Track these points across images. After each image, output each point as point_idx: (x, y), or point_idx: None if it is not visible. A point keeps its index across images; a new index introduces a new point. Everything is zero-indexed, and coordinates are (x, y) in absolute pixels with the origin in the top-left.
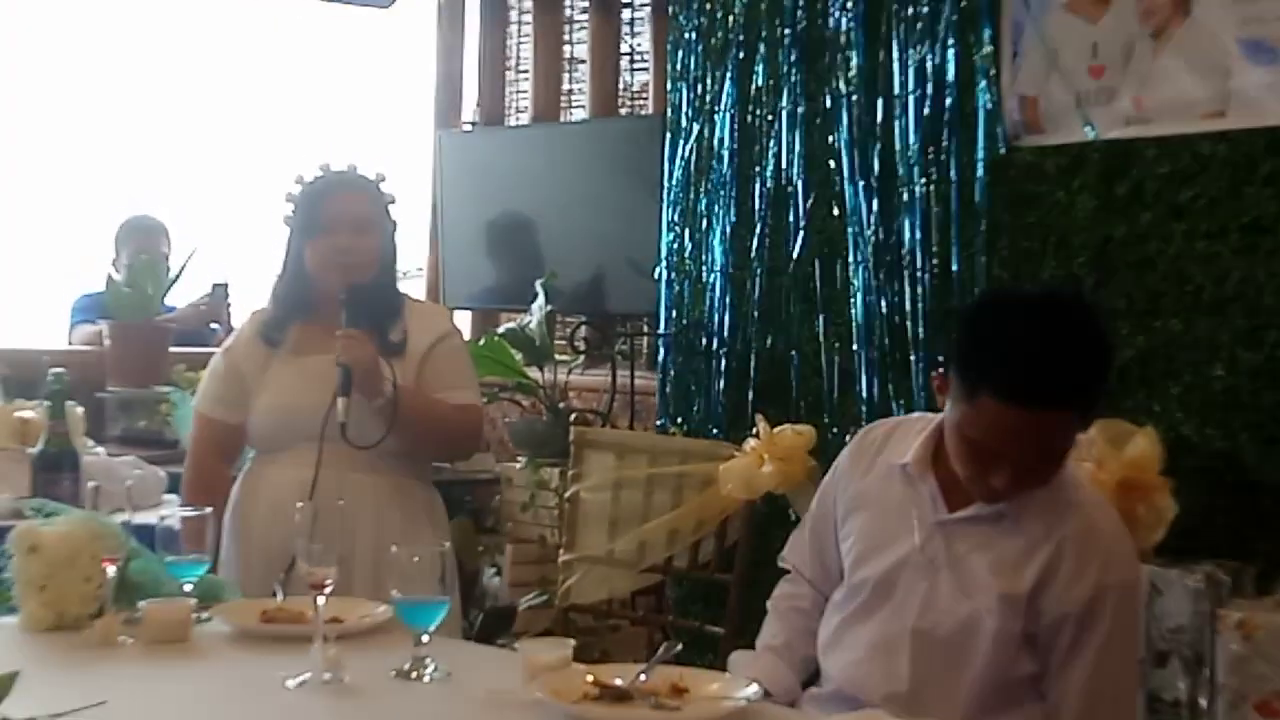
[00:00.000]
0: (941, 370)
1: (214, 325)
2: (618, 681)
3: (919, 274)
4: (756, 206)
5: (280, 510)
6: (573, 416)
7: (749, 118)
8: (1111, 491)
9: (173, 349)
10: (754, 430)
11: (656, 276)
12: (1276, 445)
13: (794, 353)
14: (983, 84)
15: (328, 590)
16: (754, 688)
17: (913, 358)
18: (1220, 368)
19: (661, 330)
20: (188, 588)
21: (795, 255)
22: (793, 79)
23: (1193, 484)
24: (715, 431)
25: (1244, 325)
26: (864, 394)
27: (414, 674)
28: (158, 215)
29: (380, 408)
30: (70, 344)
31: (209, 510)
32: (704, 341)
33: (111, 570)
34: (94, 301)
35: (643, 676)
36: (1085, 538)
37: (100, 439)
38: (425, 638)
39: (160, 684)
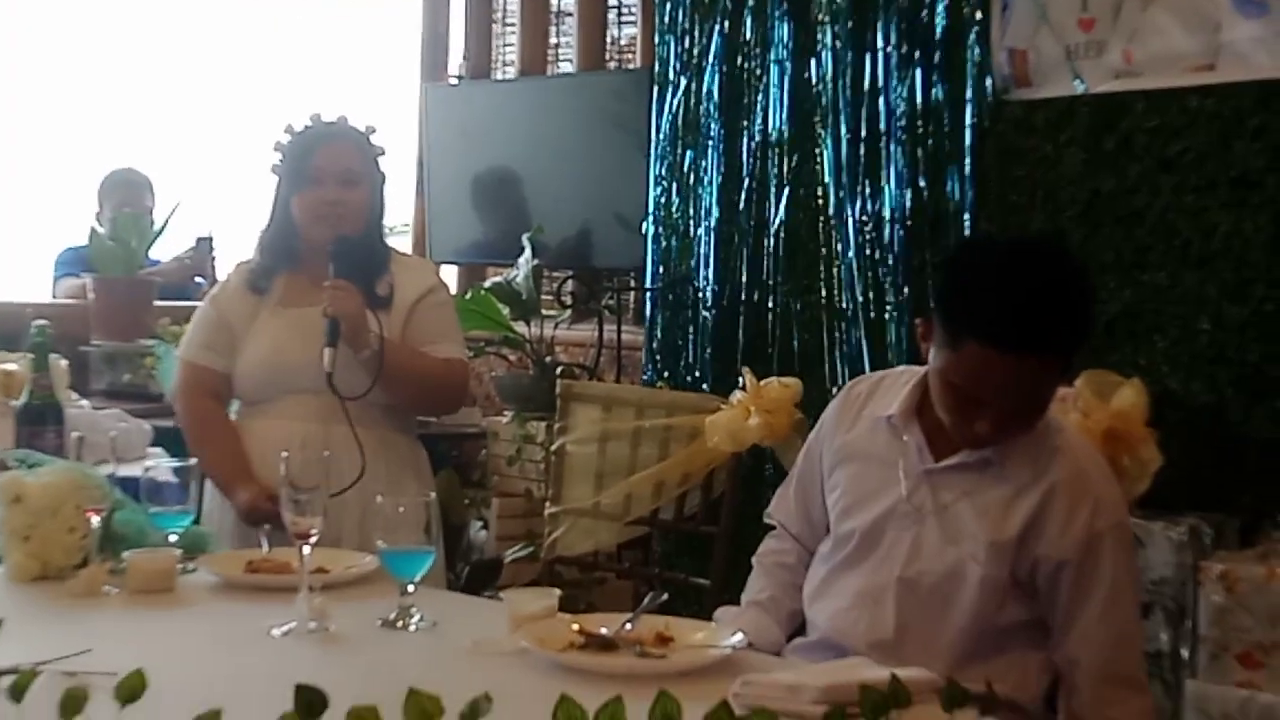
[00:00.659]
0: (925, 317)
1: (198, 279)
2: (603, 631)
3: (906, 228)
4: (744, 161)
5: (266, 462)
6: (559, 371)
7: (737, 71)
8: (1097, 441)
9: (157, 303)
10: (740, 383)
11: (643, 231)
12: (1261, 399)
13: (781, 307)
14: (972, 37)
15: (313, 540)
16: (739, 636)
17: (897, 313)
18: (1206, 321)
19: (648, 285)
20: (173, 539)
21: (782, 209)
22: (781, 32)
23: (1178, 437)
24: (702, 386)
25: (1231, 279)
26: (849, 348)
27: (400, 623)
28: (142, 168)
29: (366, 360)
30: (54, 298)
31: (193, 461)
32: (691, 296)
33: (96, 521)
34: (78, 255)
35: (628, 626)
36: (1074, 483)
37: (85, 393)
38: (411, 587)
39: (145, 634)
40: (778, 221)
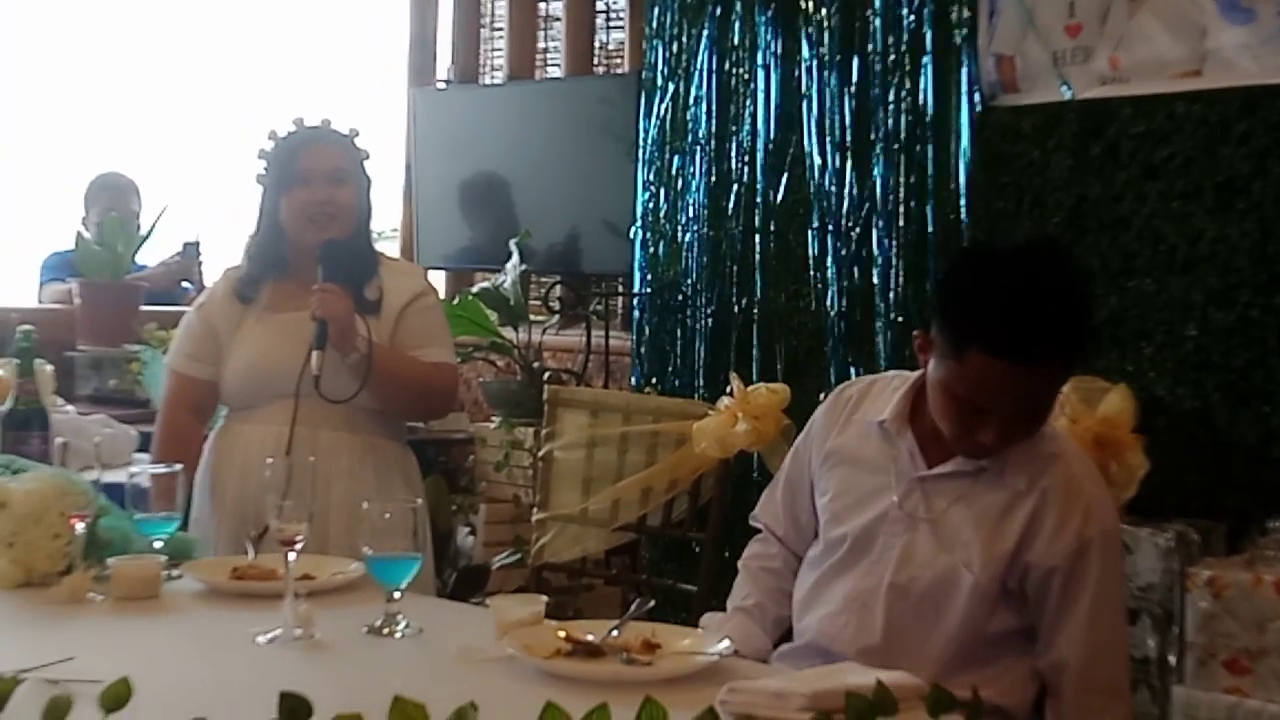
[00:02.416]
0: (923, 329)
1: (185, 284)
2: (590, 637)
3: (893, 234)
4: (732, 166)
5: (253, 468)
6: (547, 376)
7: (725, 77)
8: (1084, 448)
9: (144, 307)
10: (728, 389)
11: (631, 236)
12: (1248, 405)
13: (769, 313)
14: (959, 43)
15: (298, 547)
16: (725, 643)
17: (885, 319)
18: (1193, 327)
19: (636, 290)
20: (158, 545)
21: (770, 215)
22: (769, 37)
23: (1164, 443)
24: (690, 391)
25: (1217, 285)
26: (837, 354)
27: (385, 630)
28: (128, 172)
29: (354, 363)
30: (40, 302)
31: (179, 467)
32: (679, 301)
33: (80, 527)
34: (64, 260)
35: (614, 632)
36: (1067, 488)
37: (70, 398)
38: (397, 594)
39: (130, 640)
40: (766, 227)
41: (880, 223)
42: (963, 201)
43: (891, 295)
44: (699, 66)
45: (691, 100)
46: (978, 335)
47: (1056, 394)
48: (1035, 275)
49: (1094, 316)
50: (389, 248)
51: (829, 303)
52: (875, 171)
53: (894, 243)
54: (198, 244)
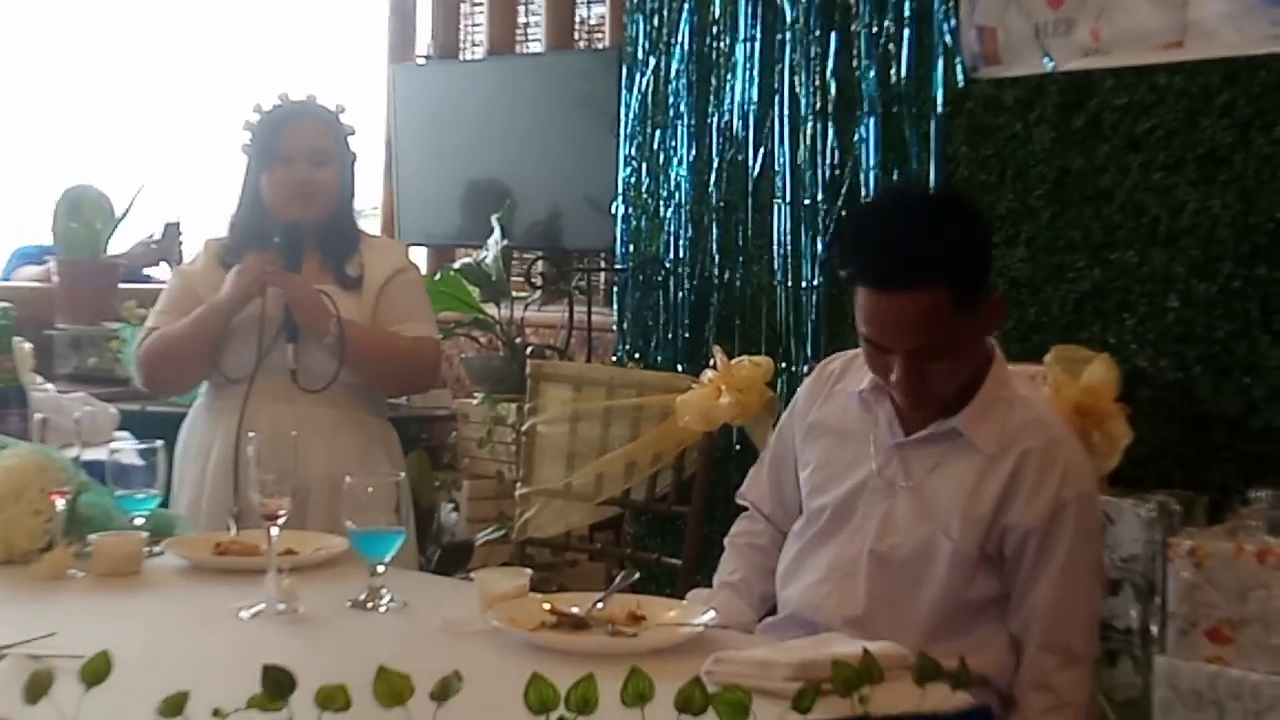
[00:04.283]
0: None
1: (165, 264)
2: (575, 610)
3: None
4: (714, 140)
5: (232, 443)
6: (529, 351)
7: (706, 50)
8: (1067, 416)
9: (122, 285)
10: (711, 363)
11: (613, 211)
12: (1229, 377)
13: (751, 286)
14: (941, 15)
15: (281, 521)
16: (710, 614)
17: None
18: (1175, 299)
19: (619, 265)
20: (139, 521)
21: (752, 189)
22: (749, 11)
23: (1146, 415)
24: (674, 365)
25: (1199, 257)
26: (820, 327)
27: (370, 604)
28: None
29: (329, 345)
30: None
31: (159, 443)
32: (661, 276)
33: (60, 503)
34: (36, 251)
35: (600, 605)
36: (1045, 452)
37: (50, 376)
38: (381, 568)
39: (112, 616)
40: (748, 201)
41: (862, 195)
42: (937, 174)
43: None
44: (680, 41)
45: (673, 74)
46: (854, 268)
47: (951, 327)
48: (902, 208)
49: (972, 247)
50: (370, 224)
51: (811, 275)
52: (856, 144)
53: None
54: (178, 224)
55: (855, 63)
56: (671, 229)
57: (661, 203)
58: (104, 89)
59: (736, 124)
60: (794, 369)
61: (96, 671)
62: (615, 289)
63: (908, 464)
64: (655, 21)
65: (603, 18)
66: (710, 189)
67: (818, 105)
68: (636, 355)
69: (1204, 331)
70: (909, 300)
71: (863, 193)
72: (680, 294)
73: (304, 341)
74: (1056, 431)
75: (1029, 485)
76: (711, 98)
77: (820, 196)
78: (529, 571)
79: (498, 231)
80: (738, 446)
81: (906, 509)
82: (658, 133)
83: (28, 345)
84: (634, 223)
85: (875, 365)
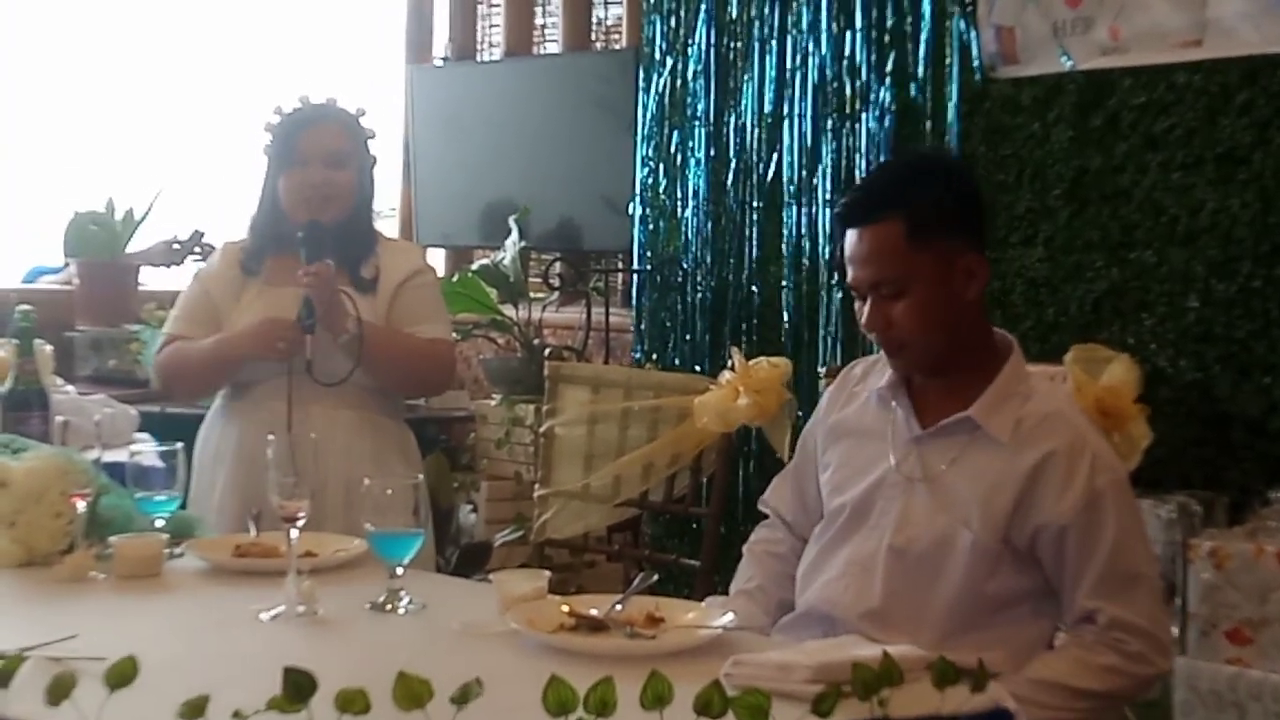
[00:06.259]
0: None
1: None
2: (593, 612)
3: None
4: (731, 141)
5: (251, 445)
6: (547, 353)
7: (723, 51)
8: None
9: (143, 287)
10: (729, 364)
11: (631, 212)
12: (1249, 376)
13: (769, 287)
14: (958, 15)
15: (300, 523)
16: (729, 615)
17: None
18: (1194, 299)
19: (636, 266)
20: (159, 523)
21: (768, 189)
22: (766, 11)
23: (1166, 415)
24: (691, 366)
25: (1218, 256)
26: (838, 327)
27: (388, 606)
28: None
29: (346, 344)
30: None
31: (179, 445)
32: (679, 277)
33: (81, 506)
34: (51, 273)
35: (618, 607)
36: (1071, 447)
37: (70, 378)
38: (400, 570)
39: (132, 618)
40: (765, 202)
41: None
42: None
43: None
44: (697, 41)
45: (690, 75)
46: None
47: (910, 263)
48: (890, 160)
49: (939, 190)
50: (388, 226)
51: (826, 277)
52: (874, 144)
53: None
54: (202, 234)
55: (872, 63)
56: (689, 230)
57: (679, 204)
58: (121, 97)
59: (753, 125)
60: (811, 370)
61: (123, 675)
62: (633, 290)
63: (926, 458)
64: (672, 22)
65: (620, 19)
66: (727, 190)
67: (835, 106)
68: (654, 356)
69: (1224, 331)
70: (869, 233)
71: None
72: (698, 295)
73: (321, 340)
74: (1078, 423)
75: (1058, 481)
76: (729, 98)
77: (835, 198)
78: (547, 573)
79: (515, 233)
80: (756, 449)
81: (925, 502)
82: (675, 134)
83: (48, 347)
84: (651, 224)
85: (858, 315)
